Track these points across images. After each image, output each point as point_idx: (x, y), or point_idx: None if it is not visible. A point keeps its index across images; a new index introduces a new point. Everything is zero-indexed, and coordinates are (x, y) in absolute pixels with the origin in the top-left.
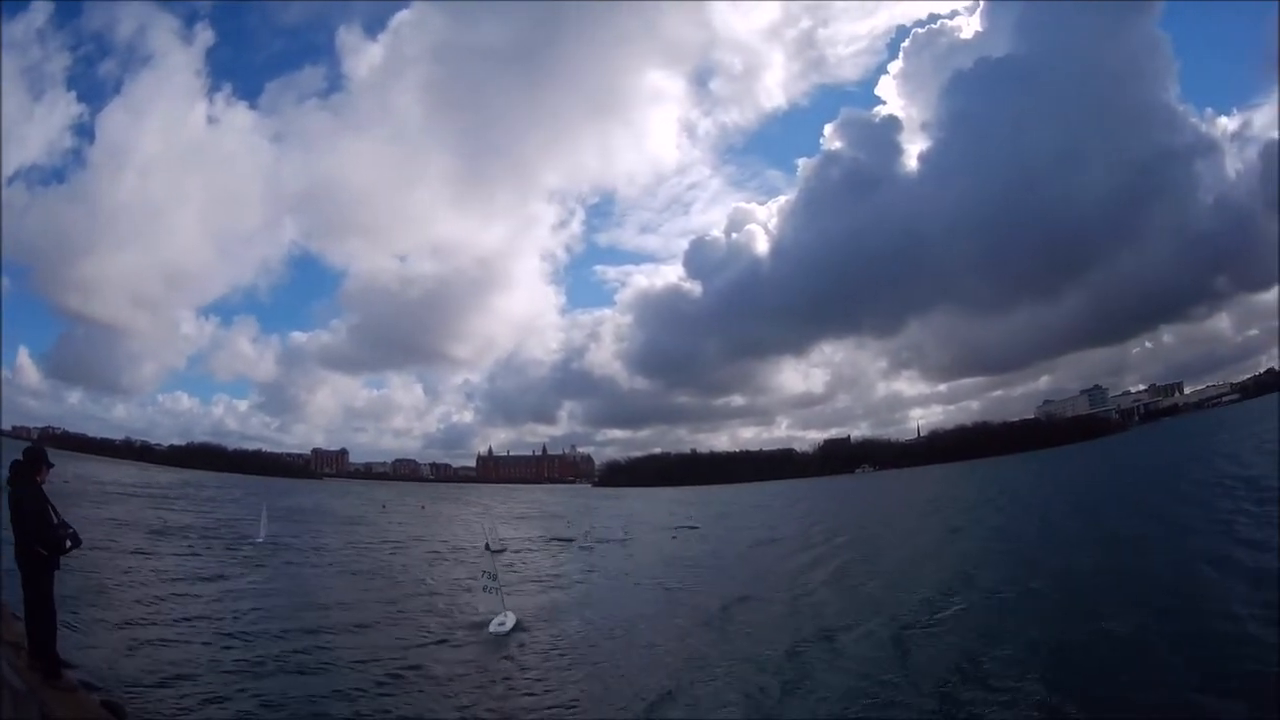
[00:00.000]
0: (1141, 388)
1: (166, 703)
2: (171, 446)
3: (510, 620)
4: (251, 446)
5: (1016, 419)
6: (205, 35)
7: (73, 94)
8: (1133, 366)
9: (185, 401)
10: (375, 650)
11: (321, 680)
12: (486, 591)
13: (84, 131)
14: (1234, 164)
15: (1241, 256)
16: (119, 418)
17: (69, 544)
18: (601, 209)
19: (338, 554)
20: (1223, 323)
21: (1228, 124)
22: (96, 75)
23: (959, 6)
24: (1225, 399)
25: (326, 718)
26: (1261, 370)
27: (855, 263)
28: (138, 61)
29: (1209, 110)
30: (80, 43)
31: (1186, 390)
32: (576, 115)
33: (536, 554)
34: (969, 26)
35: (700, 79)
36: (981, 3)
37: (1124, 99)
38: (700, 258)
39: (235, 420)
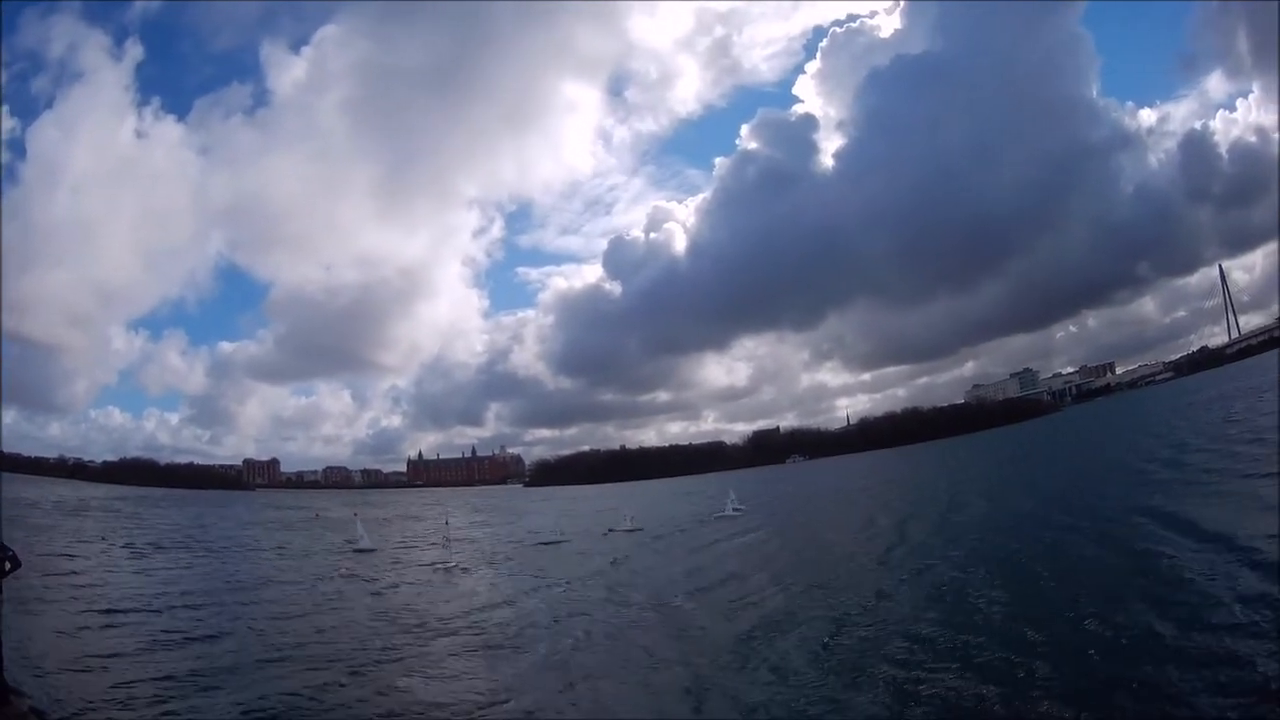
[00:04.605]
0: (1071, 369)
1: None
2: (105, 463)
3: (454, 561)
4: (184, 459)
5: (946, 404)
6: (135, 51)
7: (5, 109)
8: (1059, 350)
9: (118, 417)
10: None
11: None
12: (444, 547)
13: (16, 147)
14: (1155, 155)
15: (1163, 243)
16: (53, 435)
17: (8, 566)
18: (521, 214)
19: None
20: (1147, 306)
21: (1150, 116)
22: (30, 92)
23: (878, 7)
24: (1159, 377)
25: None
26: (1194, 349)
27: (772, 258)
28: (69, 77)
29: (1130, 104)
30: (14, 59)
31: (1119, 370)
32: (493, 127)
33: None
34: (888, 25)
35: (616, 87)
36: (901, 2)
37: (1043, 94)
38: (619, 257)
39: (167, 434)
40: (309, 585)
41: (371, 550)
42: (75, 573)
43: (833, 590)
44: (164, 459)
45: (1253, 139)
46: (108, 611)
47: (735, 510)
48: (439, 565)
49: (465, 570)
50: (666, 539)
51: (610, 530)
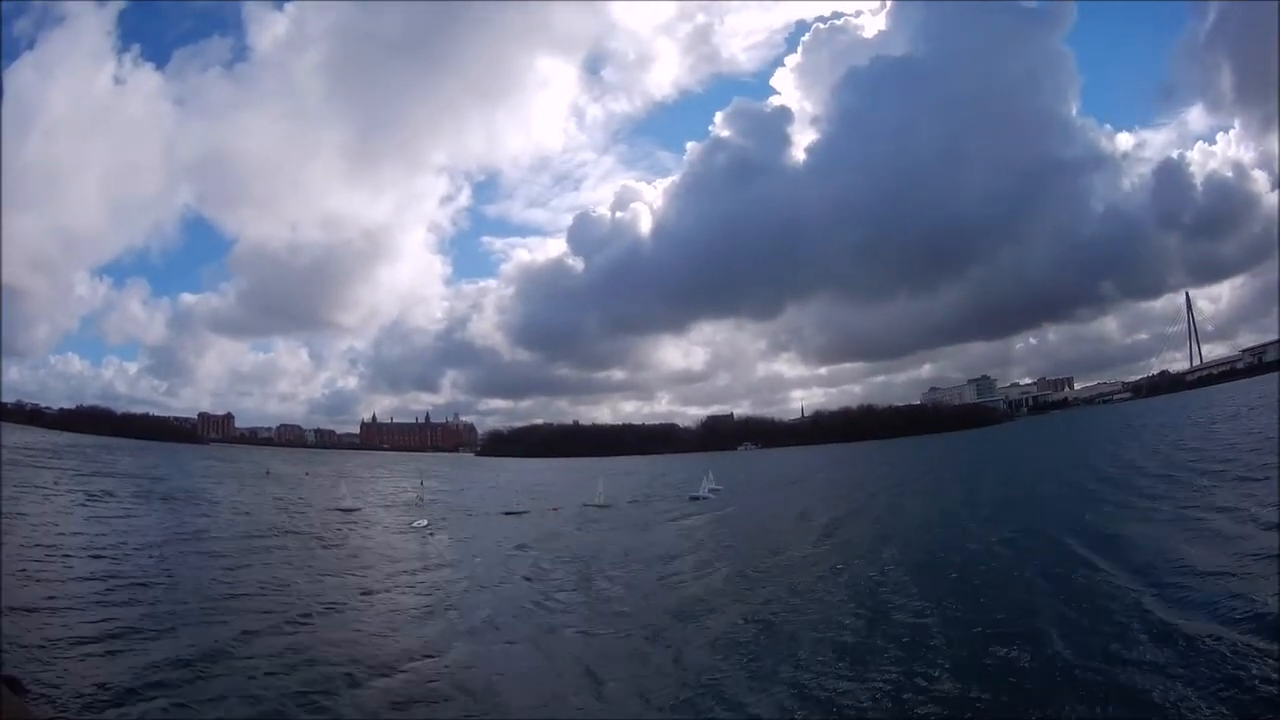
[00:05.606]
0: (1030, 380)
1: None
2: (62, 410)
3: (424, 523)
4: (140, 410)
5: (902, 404)
6: None
7: None
8: (1017, 361)
9: (77, 364)
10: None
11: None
12: (418, 506)
13: None
14: (1129, 179)
15: (1129, 265)
16: (12, 380)
17: None
18: (489, 184)
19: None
20: (1109, 325)
21: (1127, 140)
22: (11, 32)
23: (864, 6)
24: (1117, 397)
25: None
26: (1155, 372)
27: (736, 246)
28: (52, 20)
29: (1108, 126)
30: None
31: (1077, 386)
32: (467, 97)
33: None
34: (872, 26)
35: (593, 65)
36: (888, 3)
37: (1021, 108)
38: (584, 233)
39: (125, 383)
40: (253, 537)
41: (356, 509)
42: (25, 515)
43: (776, 578)
44: (120, 408)
45: (1229, 174)
46: (52, 548)
47: (711, 492)
48: (411, 526)
49: (435, 532)
50: (649, 516)
51: (583, 505)
